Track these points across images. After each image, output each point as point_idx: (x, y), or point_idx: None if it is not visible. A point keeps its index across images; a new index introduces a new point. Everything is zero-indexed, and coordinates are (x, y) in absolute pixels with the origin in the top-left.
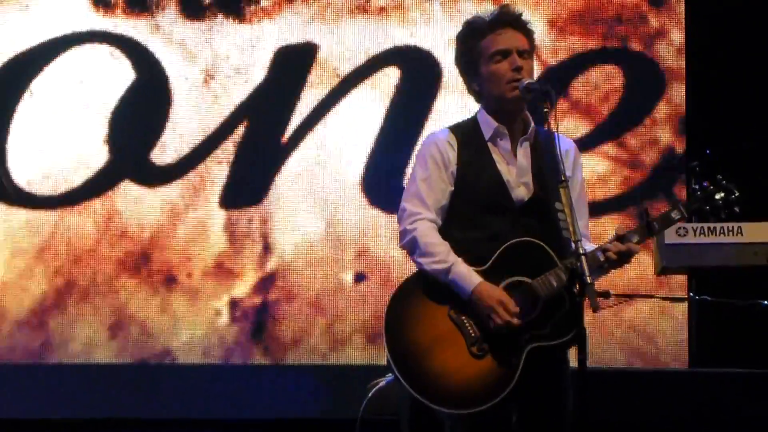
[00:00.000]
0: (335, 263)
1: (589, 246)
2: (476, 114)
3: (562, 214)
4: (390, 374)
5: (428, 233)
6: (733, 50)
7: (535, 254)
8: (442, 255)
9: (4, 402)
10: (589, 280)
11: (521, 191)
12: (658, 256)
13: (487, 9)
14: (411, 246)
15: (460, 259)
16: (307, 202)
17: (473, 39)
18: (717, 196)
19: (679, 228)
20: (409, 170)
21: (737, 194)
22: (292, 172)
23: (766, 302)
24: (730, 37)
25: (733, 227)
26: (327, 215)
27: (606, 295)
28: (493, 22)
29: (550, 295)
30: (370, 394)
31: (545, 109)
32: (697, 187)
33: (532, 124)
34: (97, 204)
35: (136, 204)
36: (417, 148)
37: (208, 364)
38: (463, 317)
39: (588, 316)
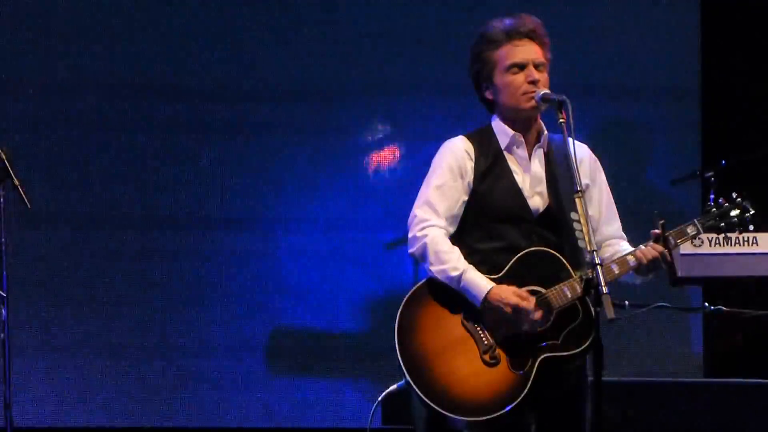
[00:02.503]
0: None
1: (626, 247)
2: (490, 122)
3: (578, 224)
4: (402, 381)
5: (439, 240)
6: (748, 58)
7: (550, 264)
8: (453, 262)
9: None
10: (605, 290)
11: (536, 201)
12: (673, 267)
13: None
14: (421, 253)
15: (471, 266)
16: None
17: (488, 49)
18: (732, 213)
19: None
20: None
21: (752, 212)
22: None
23: None
24: (744, 45)
25: (748, 238)
26: None
27: (621, 305)
28: (510, 33)
29: (563, 306)
30: (378, 402)
31: (561, 120)
32: (712, 203)
33: (545, 132)
34: None
35: None
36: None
37: None
38: (477, 325)
39: (603, 327)
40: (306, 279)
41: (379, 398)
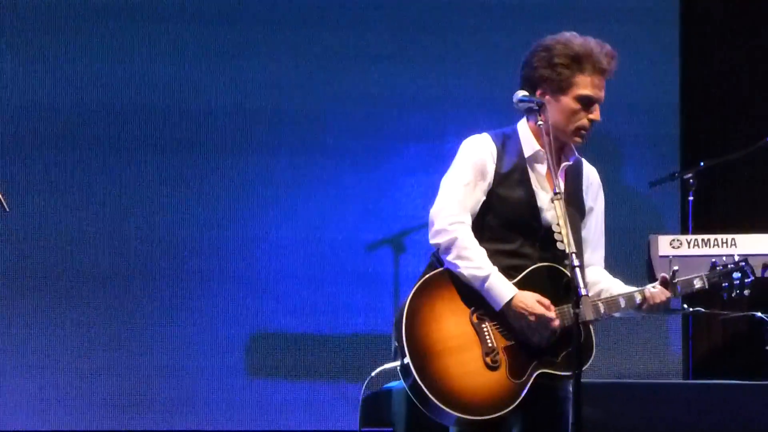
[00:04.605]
0: None
1: (607, 275)
2: (517, 125)
3: (556, 226)
4: (395, 363)
5: (470, 237)
6: (727, 60)
7: (560, 283)
8: (480, 261)
9: None
10: (583, 291)
11: (549, 215)
12: (652, 269)
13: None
14: (448, 246)
15: (496, 268)
16: None
17: (571, 65)
18: (734, 275)
19: (673, 240)
20: None
21: (752, 278)
22: None
23: (759, 314)
24: (724, 46)
25: (726, 239)
26: None
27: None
28: (598, 66)
29: (568, 326)
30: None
31: (540, 122)
32: (719, 263)
33: (575, 152)
34: None
35: None
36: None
37: None
38: (484, 325)
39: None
40: (286, 280)
41: (372, 374)
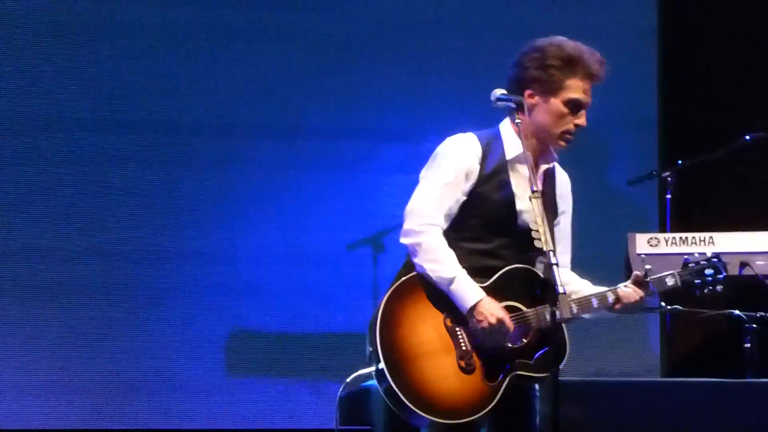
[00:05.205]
0: None
1: (570, 274)
2: (500, 126)
3: (534, 225)
4: (370, 368)
5: (438, 240)
6: (707, 57)
7: (533, 284)
8: (448, 264)
9: None
10: (561, 289)
11: (527, 216)
12: (630, 267)
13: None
14: (416, 248)
15: (464, 272)
16: None
17: (562, 68)
18: (707, 272)
19: (651, 238)
20: None
21: (724, 274)
22: None
23: (737, 312)
24: (702, 45)
25: (704, 237)
26: None
27: None
28: (588, 71)
29: (542, 328)
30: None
31: (518, 120)
32: (691, 259)
33: (556, 156)
34: None
35: None
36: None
37: None
38: (458, 328)
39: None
40: (266, 280)
41: (348, 379)
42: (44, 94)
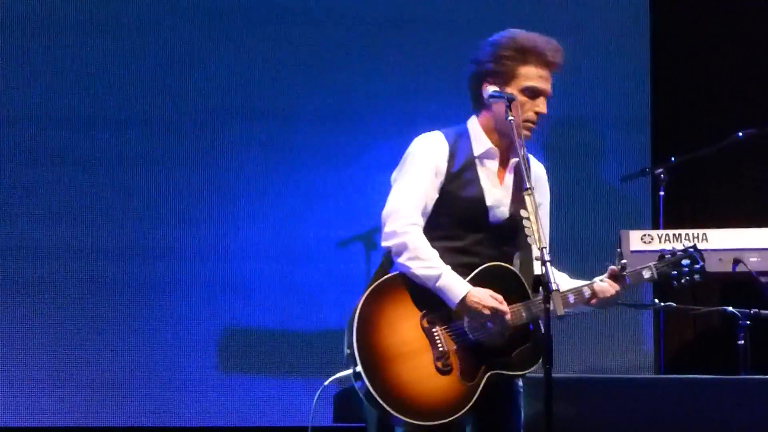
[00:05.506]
0: None
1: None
2: (467, 123)
3: (527, 222)
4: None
5: (421, 239)
6: (699, 55)
7: (510, 282)
8: (433, 261)
9: None
10: (554, 286)
11: (499, 212)
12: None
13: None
14: (400, 248)
15: (449, 267)
16: None
17: (515, 58)
18: (684, 263)
19: (644, 235)
20: None
21: (701, 264)
22: None
23: (730, 308)
24: (694, 42)
25: (698, 234)
26: None
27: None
28: (543, 57)
29: (518, 325)
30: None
31: (510, 117)
32: (668, 251)
33: (524, 148)
34: None
35: None
36: None
37: None
38: (435, 329)
39: (553, 323)
40: (258, 277)
41: (325, 383)
42: (36, 91)
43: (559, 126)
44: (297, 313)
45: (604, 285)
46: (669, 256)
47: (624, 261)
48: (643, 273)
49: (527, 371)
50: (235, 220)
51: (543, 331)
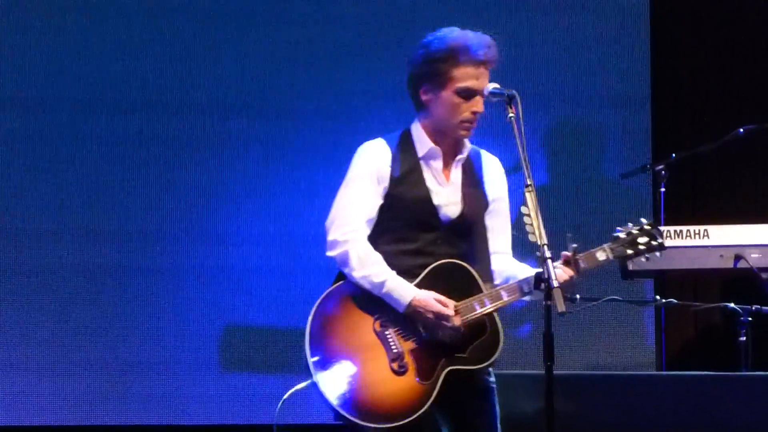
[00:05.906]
0: None
1: (508, 259)
2: (410, 127)
3: (528, 218)
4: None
5: (364, 246)
6: (697, 54)
7: (461, 277)
8: (377, 268)
9: None
10: (556, 283)
11: (449, 210)
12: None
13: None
14: (343, 257)
15: (394, 272)
16: None
17: (447, 60)
18: (640, 240)
19: None
20: None
21: (660, 241)
22: None
23: (732, 305)
24: (694, 40)
25: (699, 230)
26: None
27: (572, 299)
28: (474, 57)
29: (471, 319)
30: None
31: (510, 115)
32: (621, 230)
33: (469, 145)
34: None
35: None
36: None
37: None
38: (388, 332)
39: (554, 320)
40: (257, 275)
41: (284, 397)
42: (37, 75)
43: (559, 125)
44: (296, 310)
45: (558, 272)
46: (624, 235)
47: (575, 245)
48: (598, 255)
49: (485, 364)
50: (235, 217)
51: (545, 328)
